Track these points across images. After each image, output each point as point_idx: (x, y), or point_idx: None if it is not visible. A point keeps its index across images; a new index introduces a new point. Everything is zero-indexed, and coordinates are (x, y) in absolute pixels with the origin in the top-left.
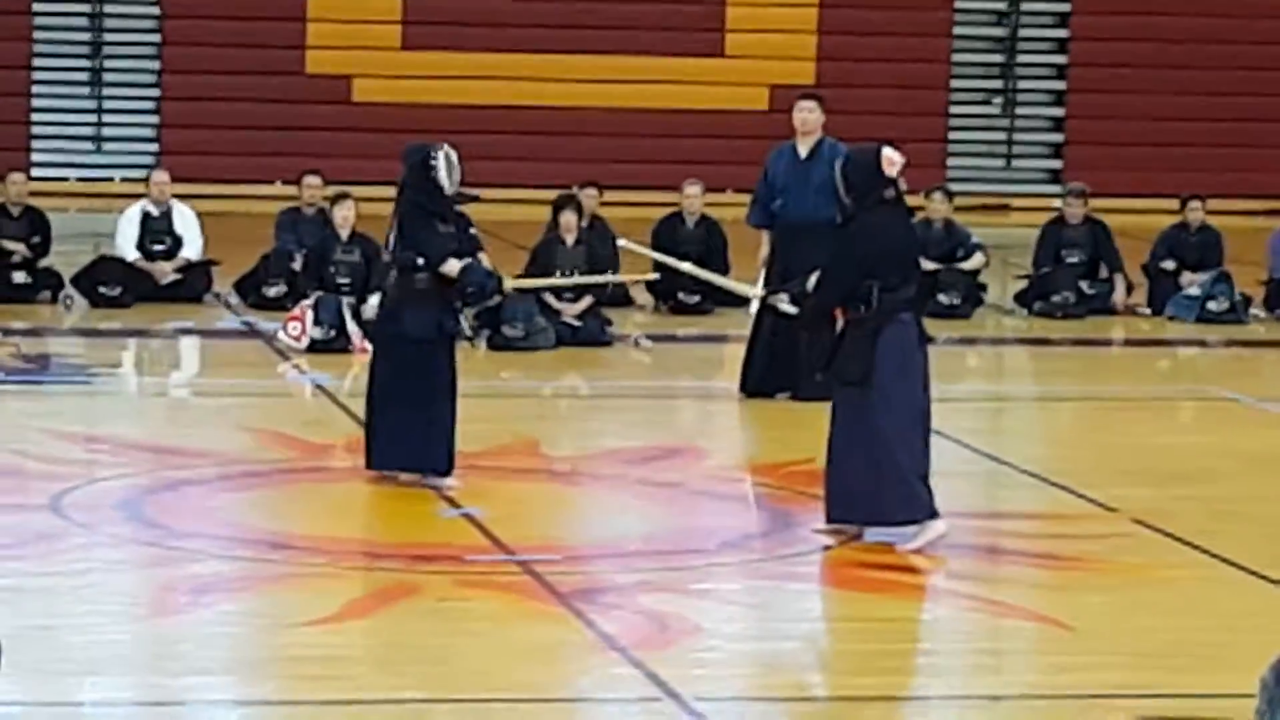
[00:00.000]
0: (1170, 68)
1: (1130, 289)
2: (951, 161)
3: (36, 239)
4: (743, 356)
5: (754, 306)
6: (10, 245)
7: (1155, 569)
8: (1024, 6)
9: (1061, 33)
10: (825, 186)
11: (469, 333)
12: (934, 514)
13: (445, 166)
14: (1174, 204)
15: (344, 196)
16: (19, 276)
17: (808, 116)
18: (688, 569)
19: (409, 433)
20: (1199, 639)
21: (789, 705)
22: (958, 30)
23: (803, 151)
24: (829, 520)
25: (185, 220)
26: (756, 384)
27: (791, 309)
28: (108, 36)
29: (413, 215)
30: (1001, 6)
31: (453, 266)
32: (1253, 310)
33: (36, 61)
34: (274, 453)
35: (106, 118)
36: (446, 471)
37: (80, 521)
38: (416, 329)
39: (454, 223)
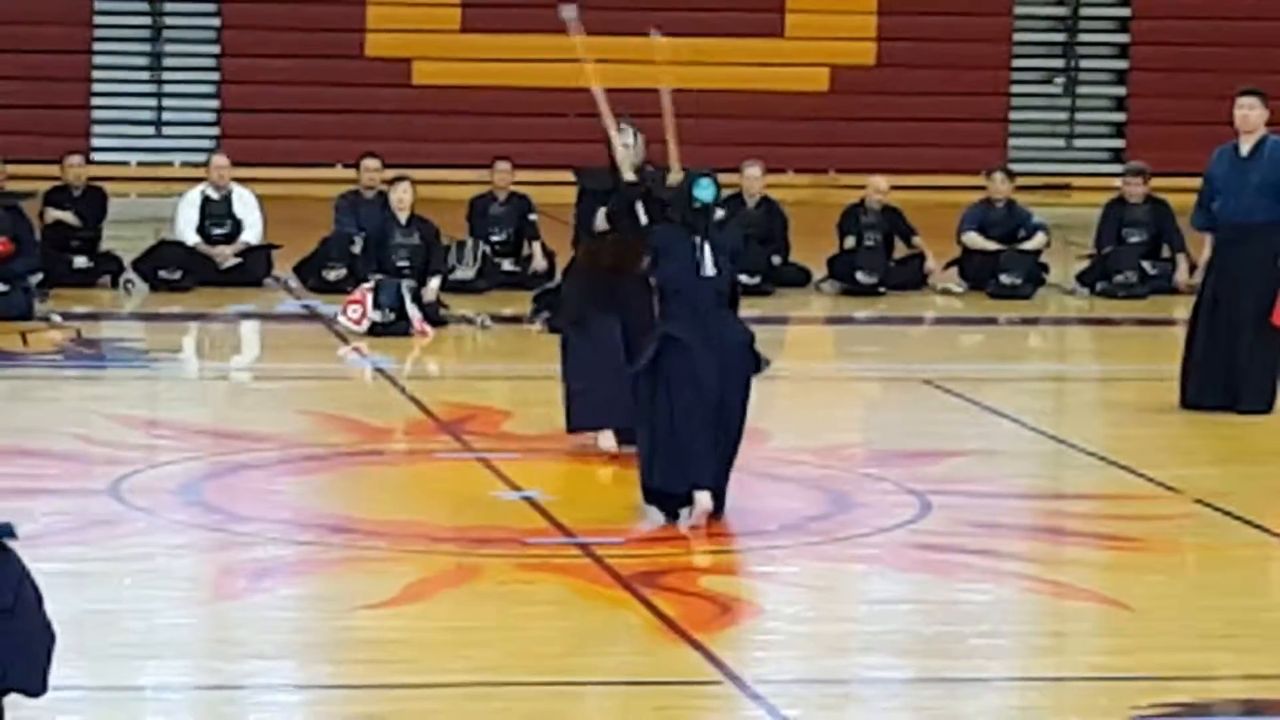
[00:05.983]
0: (1233, 45)
1: (1192, 269)
2: (1013, 141)
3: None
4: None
5: None
6: (59, 214)
7: (1218, 549)
8: None
9: (1123, 11)
10: (1265, 186)
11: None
12: None
13: None
14: None
15: (401, 179)
16: (80, 261)
17: (1248, 114)
18: (748, 551)
19: None
20: (1263, 619)
21: (850, 688)
22: (1018, 9)
23: (1244, 149)
24: None
25: (245, 204)
26: (1195, 396)
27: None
28: (167, 20)
29: None
30: None
31: None
32: None
33: (97, 46)
34: (334, 436)
35: (166, 102)
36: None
37: (141, 506)
38: None
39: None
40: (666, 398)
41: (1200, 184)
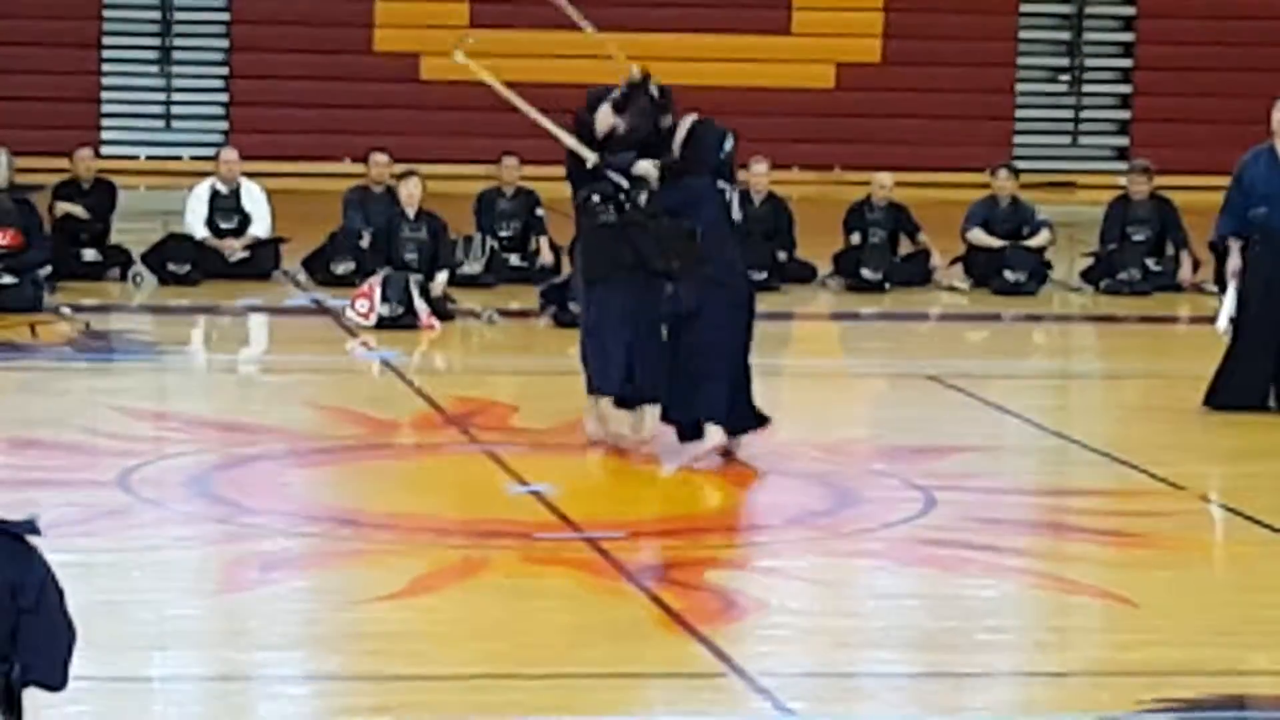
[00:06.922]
0: (1237, 44)
1: (1196, 266)
2: (1018, 139)
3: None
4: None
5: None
6: (69, 207)
7: (1223, 546)
8: None
9: (1128, 9)
10: None
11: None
12: None
13: None
14: None
15: (410, 174)
16: (89, 254)
17: None
18: (754, 545)
19: None
20: (1267, 616)
21: (855, 682)
22: (1024, 7)
23: None
24: None
25: (254, 198)
26: (1232, 397)
27: (652, 173)
28: (177, 15)
29: None
30: None
31: None
32: None
33: (106, 40)
34: (342, 429)
35: (176, 96)
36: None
37: (149, 498)
38: None
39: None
40: (694, 334)
41: (1229, 188)
